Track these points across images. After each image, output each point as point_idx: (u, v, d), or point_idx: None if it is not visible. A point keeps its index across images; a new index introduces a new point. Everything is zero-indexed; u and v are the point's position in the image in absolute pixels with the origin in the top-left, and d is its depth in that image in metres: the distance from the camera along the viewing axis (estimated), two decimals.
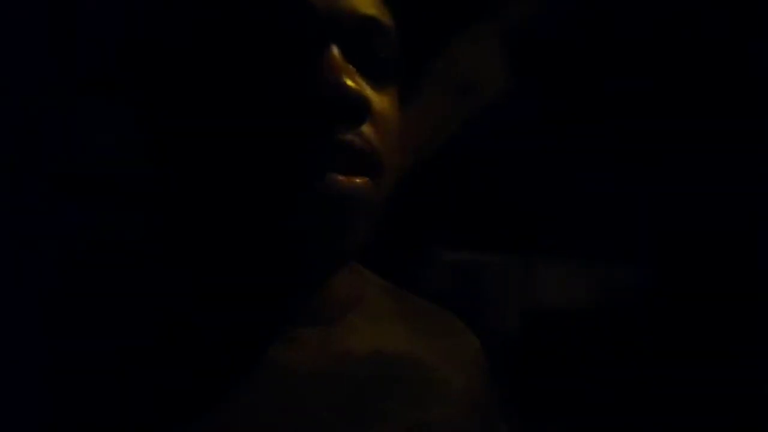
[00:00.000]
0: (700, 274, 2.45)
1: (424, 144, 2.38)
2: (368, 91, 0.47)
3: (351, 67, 0.46)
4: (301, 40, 0.45)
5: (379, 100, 0.48)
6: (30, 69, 1.00)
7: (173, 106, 0.49)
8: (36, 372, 0.45)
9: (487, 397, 0.62)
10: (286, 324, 0.51)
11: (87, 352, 0.45)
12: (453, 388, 0.57)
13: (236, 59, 0.45)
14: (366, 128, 0.46)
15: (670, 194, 2.40)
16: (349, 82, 0.44)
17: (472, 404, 0.58)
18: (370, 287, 0.60)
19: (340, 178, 0.44)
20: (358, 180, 0.45)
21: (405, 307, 0.62)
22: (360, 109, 0.45)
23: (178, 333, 0.48)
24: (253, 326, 0.50)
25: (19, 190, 0.95)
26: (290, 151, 0.44)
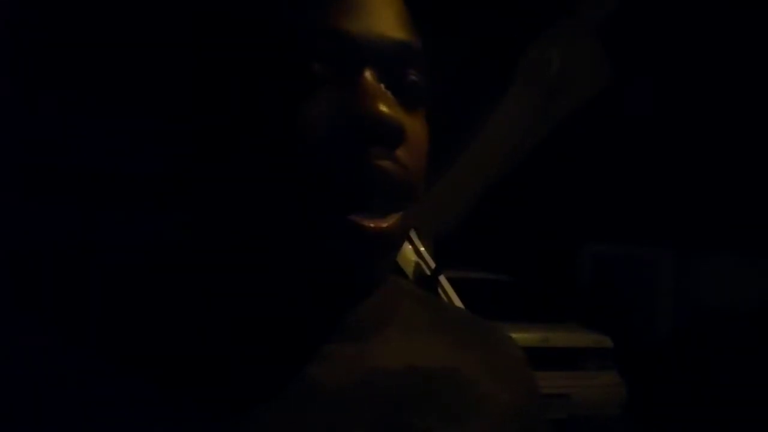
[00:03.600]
0: None
1: (516, 146, 2.29)
2: (401, 115, 0.47)
3: (384, 90, 0.46)
4: (336, 65, 0.45)
5: (410, 123, 0.48)
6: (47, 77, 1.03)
7: (202, 121, 0.50)
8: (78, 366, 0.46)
9: (531, 411, 0.59)
10: (320, 340, 0.50)
11: (115, 359, 0.46)
12: (494, 402, 0.56)
13: (269, 82, 0.45)
14: (400, 152, 0.46)
15: None
16: (384, 107, 0.44)
17: (514, 419, 0.56)
18: (407, 299, 0.59)
19: (370, 224, 0.45)
20: (385, 223, 0.45)
21: (444, 319, 0.60)
22: (395, 132, 0.45)
23: (209, 348, 0.48)
24: (286, 343, 0.49)
25: (42, 193, 0.98)
26: (324, 187, 0.44)
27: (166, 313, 0.49)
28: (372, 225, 0.44)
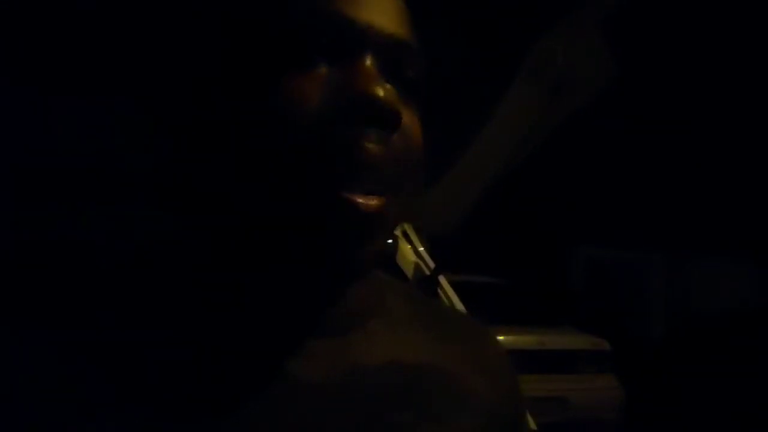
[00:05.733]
0: None
1: (519, 145, 2.27)
2: (398, 104, 0.48)
3: (384, 80, 0.47)
4: (338, 48, 0.46)
5: (406, 115, 0.49)
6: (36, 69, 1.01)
7: (197, 107, 0.50)
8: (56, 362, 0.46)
9: (512, 406, 0.60)
10: (303, 336, 0.50)
11: (100, 358, 0.46)
12: (476, 397, 0.56)
13: (270, 66, 0.46)
14: (394, 139, 0.47)
15: None
16: (382, 92, 0.45)
17: (495, 414, 0.57)
18: (391, 294, 0.59)
19: (359, 199, 0.45)
20: (375, 201, 0.46)
21: (427, 314, 0.61)
22: (391, 116, 0.46)
23: (192, 342, 0.48)
24: (269, 338, 0.50)
25: (37, 190, 0.96)
26: (317, 162, 0.45)
27: (154, 311, 0.49)
28: (362, 201, 0.45)
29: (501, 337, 5.29)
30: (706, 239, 9.47)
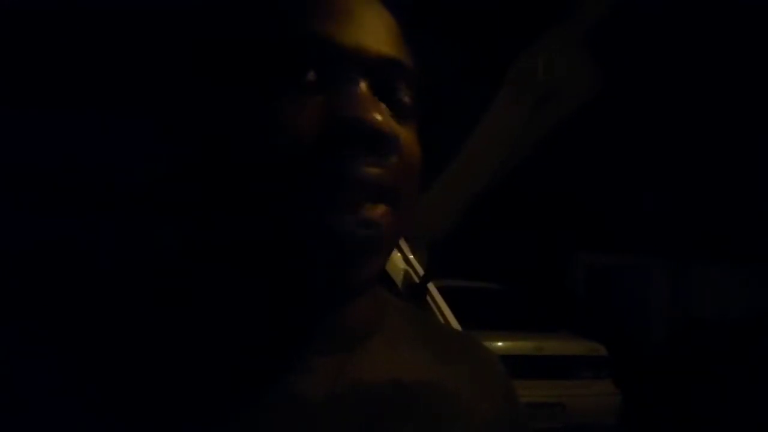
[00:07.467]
0: None
1: (507, 154, 2.29)
2: (394, 125, 0.48)
3: (378, 101, 0.48)
4: (330, 74, 0.46)
5: (403, 134, 0.49)
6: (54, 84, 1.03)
7: (199, 129, 0.51)
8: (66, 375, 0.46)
9: (512, 422, 0.60)
10: (304, 353, 0.51)
11: (102, 375, 0.46)
12: (475, 415, 0.56)
13: (264, 92, 0.46)
14: (393, 160, 0.47)
15: None
16: (379, 116, 0.46)
17: (495, 430, 0.57)
18: (391, 312, 0.60)
19: (367, 213, 0.46)
20: (375, 226, 0.46)
21: (427, 332, 0.61)
22: (389, 141, 0.46)
23: (192, 356, 0.49)
24: (270, 355, 0.50)
25: (50, 202, 0.98)
26: (316, 185, 0.45)
27: (157, 322, 0.50)
28: (367, 215, 0.46)
29: (499, 343, 5.30)
30: (707, 245, 9.45)
